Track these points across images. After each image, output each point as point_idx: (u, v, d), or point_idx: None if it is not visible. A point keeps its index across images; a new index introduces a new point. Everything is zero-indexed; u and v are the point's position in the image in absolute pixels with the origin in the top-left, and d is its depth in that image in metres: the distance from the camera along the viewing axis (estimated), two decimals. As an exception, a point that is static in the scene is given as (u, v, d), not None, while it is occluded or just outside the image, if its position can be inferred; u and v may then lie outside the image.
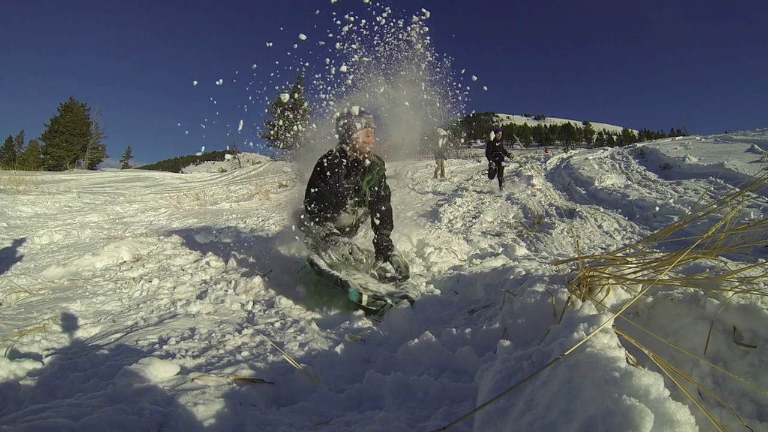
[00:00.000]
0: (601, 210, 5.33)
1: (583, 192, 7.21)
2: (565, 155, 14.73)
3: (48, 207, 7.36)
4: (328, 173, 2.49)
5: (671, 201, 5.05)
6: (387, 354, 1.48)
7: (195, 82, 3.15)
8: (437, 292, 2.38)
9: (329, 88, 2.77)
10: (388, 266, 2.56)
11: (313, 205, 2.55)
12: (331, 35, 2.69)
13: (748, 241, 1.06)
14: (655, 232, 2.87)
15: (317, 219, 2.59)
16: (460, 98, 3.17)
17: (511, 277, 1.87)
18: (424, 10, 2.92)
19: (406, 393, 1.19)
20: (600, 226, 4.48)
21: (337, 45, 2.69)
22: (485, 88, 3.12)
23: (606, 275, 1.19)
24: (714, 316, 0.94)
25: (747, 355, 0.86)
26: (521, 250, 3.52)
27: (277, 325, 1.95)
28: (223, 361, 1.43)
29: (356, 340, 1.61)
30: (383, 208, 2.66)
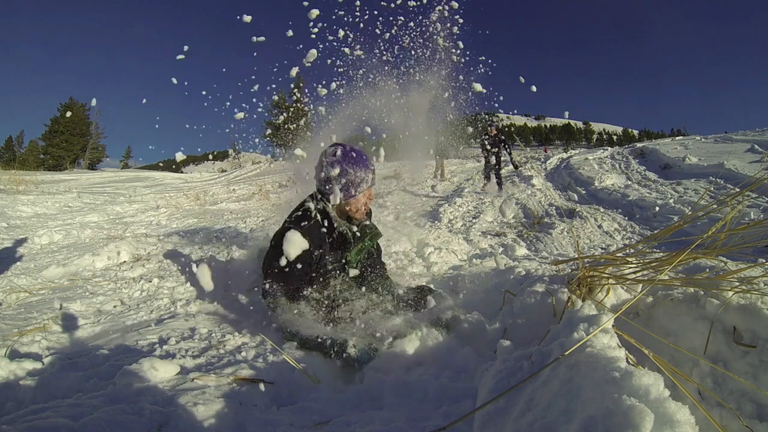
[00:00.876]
0: (601, 210, 5.33)
1: (583, 192, 7.21)
2: (565, 155, 14.73)
3: (48, 207, 7.36)
4: (303, 250, 1.62)
5: (671, 201, 5.05)
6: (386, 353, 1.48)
7: (181, 56, 2.64)
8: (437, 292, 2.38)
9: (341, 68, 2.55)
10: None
11: (275, 288, 1.69)
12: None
13: (748, 241, 1.06)
14: (655, 232, 2.87)
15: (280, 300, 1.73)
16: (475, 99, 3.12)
17: (511, 277, 1.87)
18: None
19: (405, 393, 1.19)
20: (600, 226, 4.48)
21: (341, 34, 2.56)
22: (533, 88, 3.02)
23: (606, 275, 1.19)
24: (714, 316, 0.94)
25: (747, 355, 0.86)
26: (521, 250, 3.52)
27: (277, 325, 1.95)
28: (223, 361, 1.43)
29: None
30: (378, 267, 1.93)
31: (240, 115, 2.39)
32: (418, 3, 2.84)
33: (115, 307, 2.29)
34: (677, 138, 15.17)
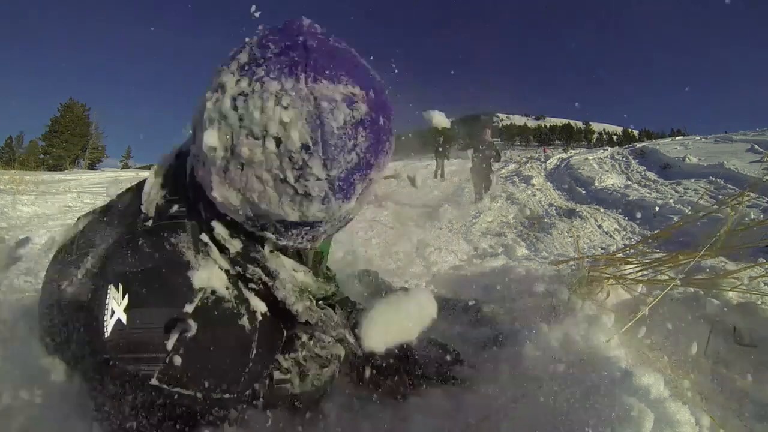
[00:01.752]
0: (601, 210, 5.33)
1: (583, 192, 7.21)
2: (565, 155, 14.74)
3: (48, 207, 7.35)
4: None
5: (671, 201, 5.05)
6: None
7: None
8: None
9: None
10: None
11: None
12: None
13: (748, 241, 1.06)
14: (655, 232, 2.87)
15: None
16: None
17: (511, 277, 1.87)
18: None
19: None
20: (600, 226, 4.48)
21: None
22: (577, 104, 2.85)
23: (606, 275, 1.19)
24: (714, 316, 0.94)
25: (747, 355, 0.86)
26: (521, 250, 3.52)
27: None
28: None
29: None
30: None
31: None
32: None
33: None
34: (677, 138, 15.19)
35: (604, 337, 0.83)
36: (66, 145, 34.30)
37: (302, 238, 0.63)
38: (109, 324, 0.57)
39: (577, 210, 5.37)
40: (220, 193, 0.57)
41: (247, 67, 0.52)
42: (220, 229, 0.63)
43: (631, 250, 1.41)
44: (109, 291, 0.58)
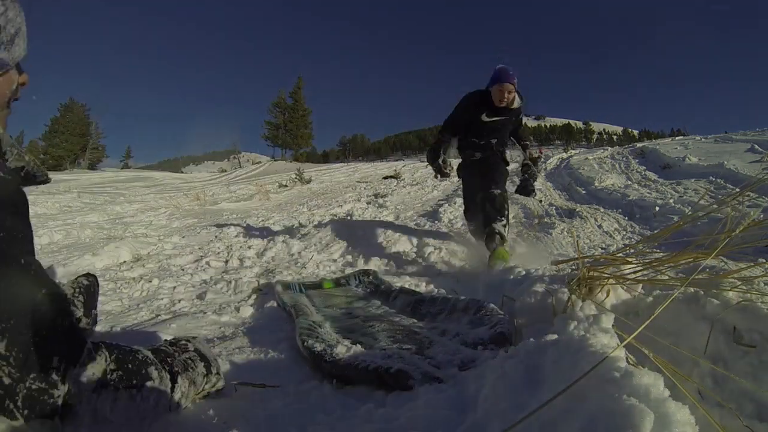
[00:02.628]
0: (601, 210, 5.33)
1: (583, 192, 7.21)
2: (565, 155, 14.74)
3: (48, 207, 7.36)
4: None
5: (671, 201, 5.05)
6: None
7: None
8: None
9: None
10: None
11: None
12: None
13: (748, 241, 1.06)
14: (655, 232, 2.87)
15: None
16: None
17: (511, 277, 1.87)
18: None
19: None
20: (600, 226, 4.48)
21: None
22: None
23: (606, 275, 1.19)
24: (714, 316, 0.94)
25: (747, 355, 0.86)
26: (521, 250, 3.51)
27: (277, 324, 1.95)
28: (225, 363, 1.43)
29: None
30: None
31: None
32: None
33: (115, 307, 2.29)
34: (677, 138, 15.18)
35: (603, 337, 0.83)
36: (66, 145, 34.30)
37: None
38: None
39: (577, 210, 5.37)
40: None
41: None
42: None
43: (631, 250, 1.41)
44: None
